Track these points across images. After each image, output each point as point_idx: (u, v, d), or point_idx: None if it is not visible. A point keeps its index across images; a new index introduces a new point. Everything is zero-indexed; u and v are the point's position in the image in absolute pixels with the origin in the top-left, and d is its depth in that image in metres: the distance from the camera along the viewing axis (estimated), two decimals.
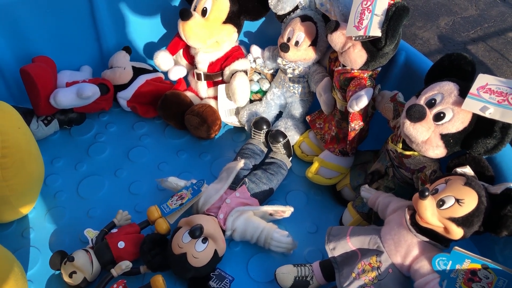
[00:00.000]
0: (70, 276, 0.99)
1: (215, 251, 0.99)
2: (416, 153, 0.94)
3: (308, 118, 1.27)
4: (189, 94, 1.37)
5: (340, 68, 1.11)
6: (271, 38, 1.35)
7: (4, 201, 1.05)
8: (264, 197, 1.16)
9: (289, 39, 1.19)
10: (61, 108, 1.28)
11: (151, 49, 1.47)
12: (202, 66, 1.31)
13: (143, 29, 1.47)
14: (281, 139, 1.21)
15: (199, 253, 0.97)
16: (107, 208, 1.17)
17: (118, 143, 1.34)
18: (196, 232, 0.95)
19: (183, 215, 1.08)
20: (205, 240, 0.98)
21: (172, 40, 1.35)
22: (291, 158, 1.25)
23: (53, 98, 1.22)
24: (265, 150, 1.27)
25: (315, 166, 1.18)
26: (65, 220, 1.16)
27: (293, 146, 1.28)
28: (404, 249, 0.88)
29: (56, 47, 1.40)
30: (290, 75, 1.25)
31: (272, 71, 1.35)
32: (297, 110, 1.30)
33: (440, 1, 1.89)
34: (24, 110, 1.29)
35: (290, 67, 1.24)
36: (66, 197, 1.20)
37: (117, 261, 1.01)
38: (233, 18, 1.26)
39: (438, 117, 0.87)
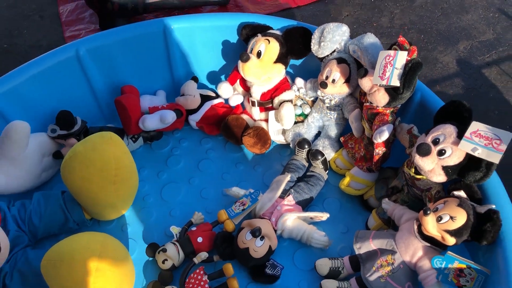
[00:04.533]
0: (163, 262, 1.32)
1: (270, 246, 1.30)
2: (424, 177, 1.22)
3: (342, 139, 1.55)
4: (244, 116, 1.67)
5: (368, 104, 1.38)
6: (312, 71, 1.62)
7: (112, 206, 1.40)
8: (306, 204, 1.46)
9: (327, 77, 1.46)
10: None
11: (214, 77, 1.78)
12: (256, 95, 1.61)
13: (207, 61, 1.77)
14: (319, 157, 1.50)
15: (258, 248, 1.28)
16: (184, 209, 1.50)
17: (189, 155, 1.66)
18: (256, 233, 1.27)
19: (244, 218, 1.40)
20: (262, 238, 1.29)
21: (231, 72, 1.66)
22: (327, 171, 1.54)
23: (142, 123, 1.54)
24: (307, 164, 1.56)
25: (346, 179, 1.47)
26: (152, 218, 1.49)
27: (329, 161, 1.57)
28: (412, 251, 1.17)
29: (138, 76, 1.72)
30: (328, 105, 1.53)
31: (312, 98, 1.63)
32: (333, 131, 1.58)
33: (461, 25, 2.06)
34: (116, 130, 1.63)
35: (327, 98, 1.52)
36: (153, 200, 1.53)
37: (197, 252, 1.33)
38: (282, 58, 1.55)
39: (441, 153, 1.15)
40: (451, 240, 1.09)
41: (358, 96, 1.50)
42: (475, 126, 1.12)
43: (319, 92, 1.53)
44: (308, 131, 1.61)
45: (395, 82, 1.25)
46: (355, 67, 1.46)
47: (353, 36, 1.46)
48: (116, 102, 1.56)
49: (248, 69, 1.52)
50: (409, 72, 1.23)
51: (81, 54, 1.58)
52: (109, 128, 1.62)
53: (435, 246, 1.14)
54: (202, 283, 1.24)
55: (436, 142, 1.16)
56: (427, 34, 2.05)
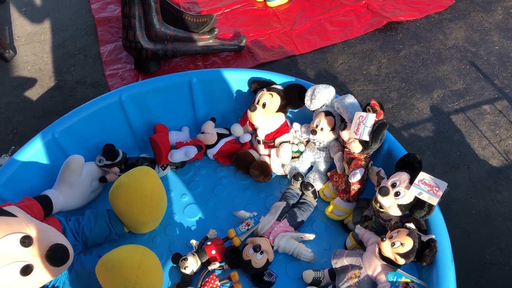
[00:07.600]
0: (184, 268, 1.64)
1: (267, 259, 1.63)
2: (386, 211, 1.56)
3: (329, 173, 1.88)
4: (252, 151, 2.01)
5: (347, 149, 1.73)
6: (307, 117, 1.95)
7: (147, 223, 1.73)
8: (298, 226, 1.79)
9: (316, 126, 1.81)
10: None
11: (228, 118, 2.11)
12: (261, 136, 1.95)
13: (223, 105, 2.10)
14: (310, 188, 1.84)
15: (258, 260, 1.61)
16: (202, 226, 1.83)
17: (206, 181, 1.99)
18: (257, 248, 1.61)
19: (248, 236, 1.75)
20: (262, 253, 1.62)
21: (242, 116, 2.02)
22: (316, 199, 1.88)
23: (170, 156, 1.90)
24: (300, 193, 1.89)
25: (331, 207, 1.81)
26: (177, 232, 1.82)
27: (318, 191, 1.90)
28: (373, 267, 1.50)
29: (168, 116, 2.06)
30: (318, 146, 1.87)
31: (306, 139, 1.97)
32: (322, 167, 1.91)
33: (438, 75, 2.34)
34: (149, 160, 1.99)
35: (317, 141, 1.86)
36: (177, 217, 1.87)
37: (211, 261, 1.66)
38: (282, 108, 1.89)
39: (397, 194, 1.48)
40: (401, 261, 1.42)
41: (341, 141, 1.84)
42: (422, 175, 1.45)
43: (310, 136, 1.87)
44: (302, 165, 1.95)
45: (366, 137, 1.59)
46: (339, 119, 1.79)
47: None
48: (151, 139, 1.92)
49: (255, 117, 1.87)
50: (376, 130, 1.57)
51: (123, 99, 1.94)
52: (144, 158, 1.98)
53: (390, 264, 1.47)
54: (214, 285, 1.59)
55: (394, 185, 1.50)
56: (408, 82, 2.35)
